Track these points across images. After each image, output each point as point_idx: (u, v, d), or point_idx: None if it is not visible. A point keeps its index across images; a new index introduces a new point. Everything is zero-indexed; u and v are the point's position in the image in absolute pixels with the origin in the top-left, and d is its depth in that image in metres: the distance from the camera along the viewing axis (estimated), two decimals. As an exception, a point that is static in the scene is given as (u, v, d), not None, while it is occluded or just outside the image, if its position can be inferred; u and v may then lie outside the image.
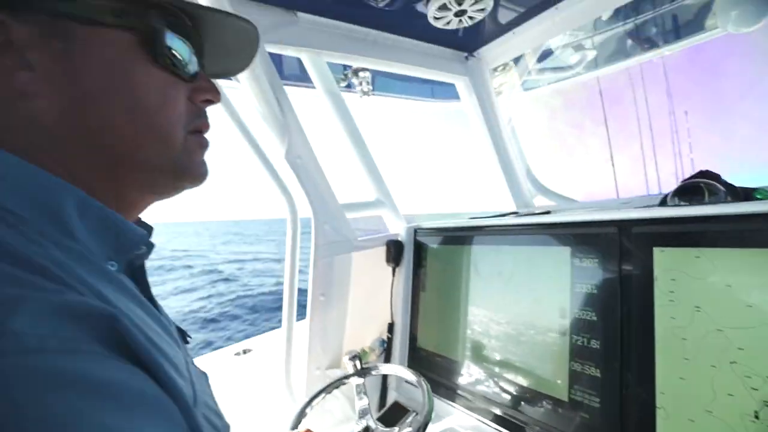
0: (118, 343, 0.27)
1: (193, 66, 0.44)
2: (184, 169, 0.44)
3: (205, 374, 0.48)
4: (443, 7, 1.15)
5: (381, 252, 1.44)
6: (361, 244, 1.37)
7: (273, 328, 2.54)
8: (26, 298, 0.25)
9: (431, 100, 2.21)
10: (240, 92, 1.24)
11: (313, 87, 1.53)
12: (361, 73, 1.54)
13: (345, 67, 1.61)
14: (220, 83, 1.25)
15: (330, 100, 1.34)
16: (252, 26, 0.49)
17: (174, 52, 0.41)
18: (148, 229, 0.48)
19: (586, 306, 0.93)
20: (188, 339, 0.53)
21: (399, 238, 1.46)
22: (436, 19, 1.22)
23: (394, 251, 1.41)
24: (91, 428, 0.21)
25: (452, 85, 2.12)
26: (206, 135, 0.47)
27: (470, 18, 1.22)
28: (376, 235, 1.44)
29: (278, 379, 1.31)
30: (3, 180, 0.33)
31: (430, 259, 1.39)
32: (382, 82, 1.81)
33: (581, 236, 0.95)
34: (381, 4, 1.03)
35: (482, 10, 1.18)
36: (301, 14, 1.17)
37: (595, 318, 0.90)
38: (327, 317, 1.31)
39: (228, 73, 0.57)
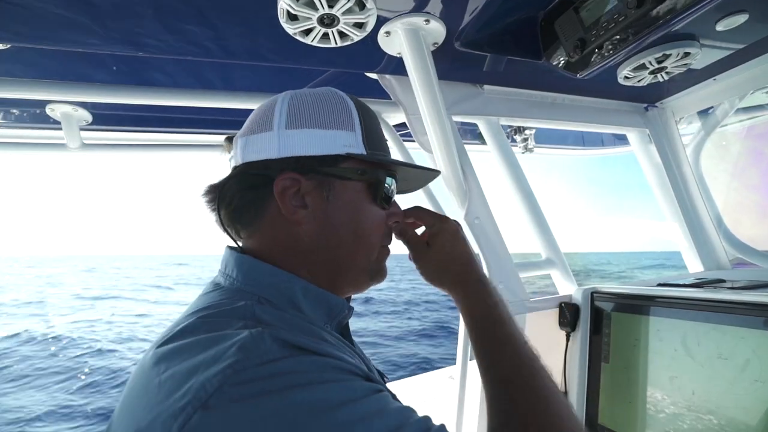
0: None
1: (392, 198, 0.62)
2: (375, 271, 0.62)
3: None
4: (640, 68, 1.11)
5: (553, 314, 1.37)
6: (534, 305, 1.33)
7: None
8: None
9: (582, 149, 2.12)
10: (420, 155, 1.37)
11: (477, 143, 1.61)
12: (526, 131, 1.56)
13: (506, 125, 1.65)
14: (409, 146, 1.39)
15: (502, 159, 1.37)
16: (435, 171, 0.70)
17: (385, 193, 0.60)
18: (349, 299, 0.66)
19: None
20: (386, 378, 0.69)
21: (573, 301, 1.37)
22: (627, 78, 1.18)
23: (570, 315, 1.33)
24: (325, 374, 0.40)
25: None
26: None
27: (667, 73, 1.15)
28: (548, 296, 1.38)
29: None
30: (263, 281, 0.53)
31: (615, 327, 1.27)
32: (540, 135, 1.80)
33: None
34: (580, 76, 1.04)
35: (686, 64, 1.10)
36: (487, 87, 1.25)
37: None
38: (499, 379, 1.28)
39: (406, 192, 0.76)
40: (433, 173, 0.70)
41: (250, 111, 1.41)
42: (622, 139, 1.90)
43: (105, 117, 1.43)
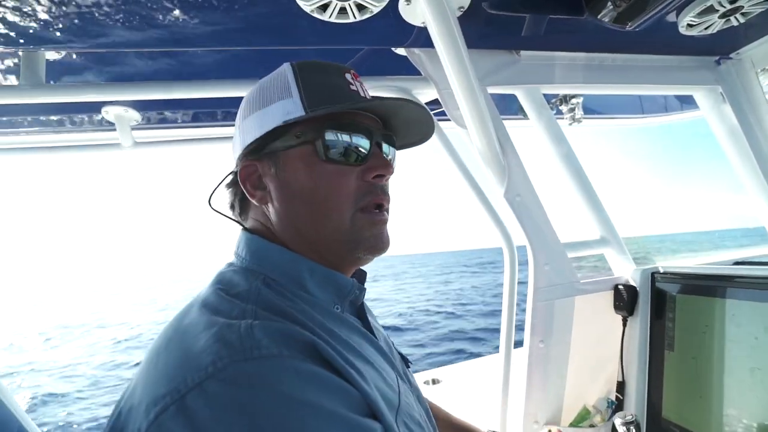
0: (318, 358, 0.40)
1: (361, 150, 0.53)
2: (354, 242, 0.53)
3: (417, 391, 0.60)
4: (707, 11, 0.96)
5: (607, 297, 1.25)
6: (585, 287, 1.23)
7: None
8: (270, 327, 0.40)
9: (639, 117, 1.90)
10: (456, 132, 1.30)
11: (519, 117, 1.51)
12: (573, 100, 1.43)
13: (550, 95, 1.52)
14: (445, 125, 1.33)
15: (546, 133, 1.27)
16: (424, 109, 0.57)
17: (335, 147, 0.51)
18: (364, 274, 0.63)
19: None
20: (409, 363, 0.68)
21: (630, 282, 1.24)
22: (691, 26, 1.03)
23: (627, 298, 1.21)
24: (306, 393, 0.36)
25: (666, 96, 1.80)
26: (382, 209, 0.55)
27: (743, 15, 0.98)
28: (602, 278, 1.27)
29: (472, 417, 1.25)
30: (270, 260, 0.52)
31: (680, 311, 1.13)
32: (590, 104, 1.64)
33: None
34: (630, 28, 0.92)
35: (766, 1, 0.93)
36: (524, 53, 1.16)
37: None
38: (546, 367, 1.20)
39: (420, 141, 0.65)
40: (418, 109, 0.57)
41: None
42: (687, 102, 1.68)
43: (153, 116, 1.52)
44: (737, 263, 1.18)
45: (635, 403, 1.18)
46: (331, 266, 0.54)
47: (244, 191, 0.55)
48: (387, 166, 0.54)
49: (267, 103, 0.53)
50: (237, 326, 0.39)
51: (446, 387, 1.97)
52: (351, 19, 0.90)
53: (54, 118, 1.33)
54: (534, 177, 1.25)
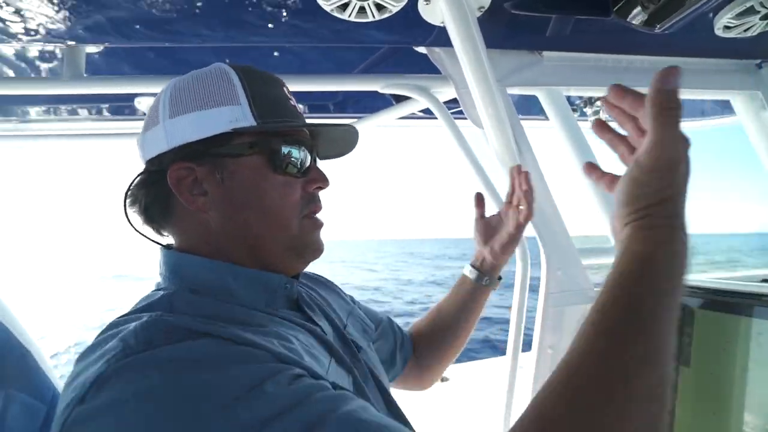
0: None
1: (305, 164, 0.56)
2: (301, 247, 0.57)
3: (374, 380, 0.58)
4: (746, 12, 0.91)
5: (622, 307, 1.22)
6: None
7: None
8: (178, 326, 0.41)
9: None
10: (471, 132, 1.29)
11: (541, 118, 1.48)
12: (598, 102, 1.38)
13: (574, 96, 1.48)
14: (461, 123, 1.32)
15: (567, 136, 1.23)
16: (352, 128, 0.62)
17: (288, 160, 0.54)
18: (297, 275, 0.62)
19: None
20: (359, 348, 0.64)
21: (648, 294, 1.21)
22: (728, 28, 0.97)
23: (643, 309, 1.17)
24: (201, 374, 0.36)
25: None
26: (319, 215, 0.59)
27: (786, 18, 0.93)
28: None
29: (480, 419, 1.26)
30: (190, 273, 0.53)
31: (699, 327, 1.09)
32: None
33: None
34: (659, 30, 0.88)
35: (814, 3, 0.87)
36: (546, 53, 1.13)
37: None
38: (554, 373, 1.18)
39: (339, 155, 0.69)
40: (348, 129, 0.62)
41: (312, 94, 1.44)
42: (723, 106, 1.59)
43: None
44: (766, 280, 1.12)
45: None
46: (269, 269, 0.55)
47: (177, 195, 0.52)
48: (326, 180, 0.59)
49: (208, 105, 0.52)
50: (134, 324, 0.40)
51: (454, 385, 1.97)
52: (370, 18, 0.90)
53: (91, 107, 1.41)
54: (553, 179, 1.22)
